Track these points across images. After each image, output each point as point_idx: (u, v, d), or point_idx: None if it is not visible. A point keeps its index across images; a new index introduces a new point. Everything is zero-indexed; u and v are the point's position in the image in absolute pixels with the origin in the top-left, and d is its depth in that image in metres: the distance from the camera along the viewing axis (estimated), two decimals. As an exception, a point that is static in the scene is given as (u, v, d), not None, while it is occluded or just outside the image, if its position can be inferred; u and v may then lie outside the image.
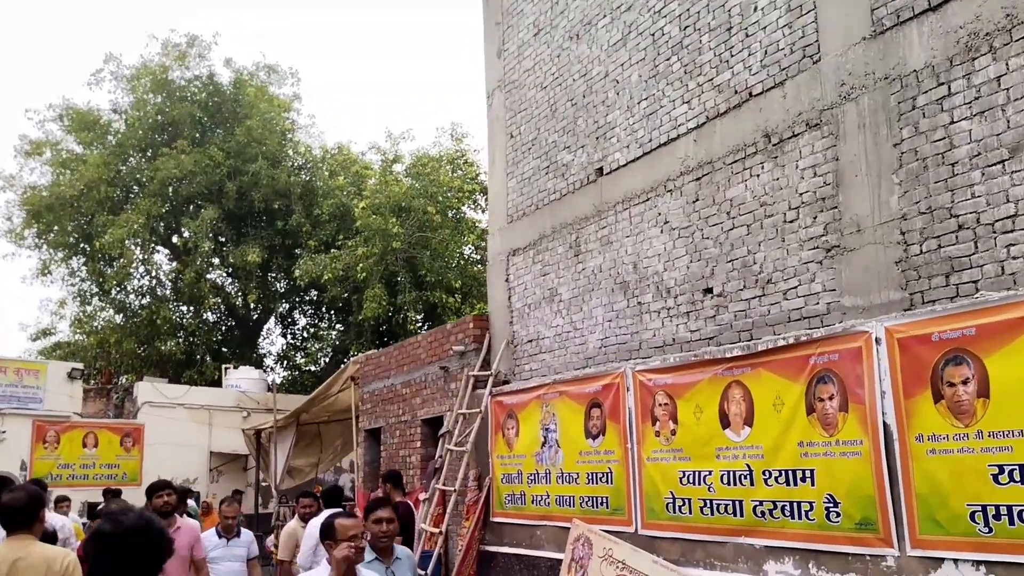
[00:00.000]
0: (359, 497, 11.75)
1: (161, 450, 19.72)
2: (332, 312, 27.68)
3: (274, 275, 24.83)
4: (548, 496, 8.97)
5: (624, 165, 8.59)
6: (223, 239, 24.85)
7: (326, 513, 5.72)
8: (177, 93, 25.45)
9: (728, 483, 6.72)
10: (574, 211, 9.37)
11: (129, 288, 25.96)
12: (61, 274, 25.91)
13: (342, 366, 14.53)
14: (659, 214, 8.05)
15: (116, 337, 24.67)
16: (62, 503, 14.86)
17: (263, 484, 16.87)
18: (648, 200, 8.20)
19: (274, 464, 15.12)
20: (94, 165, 23.36)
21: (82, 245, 25.28)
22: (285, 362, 28.54)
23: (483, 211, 26.18)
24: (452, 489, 9.90)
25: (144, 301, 26.12)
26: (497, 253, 10.83)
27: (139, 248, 23.97)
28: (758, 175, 7.00)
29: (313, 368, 27.27)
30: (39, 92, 51.58)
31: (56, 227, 24.26)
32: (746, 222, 7.08)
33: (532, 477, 9.26)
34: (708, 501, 6.89)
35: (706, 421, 6.97)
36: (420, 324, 22.08)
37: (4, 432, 17.03)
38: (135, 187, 24.87)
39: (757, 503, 6.45)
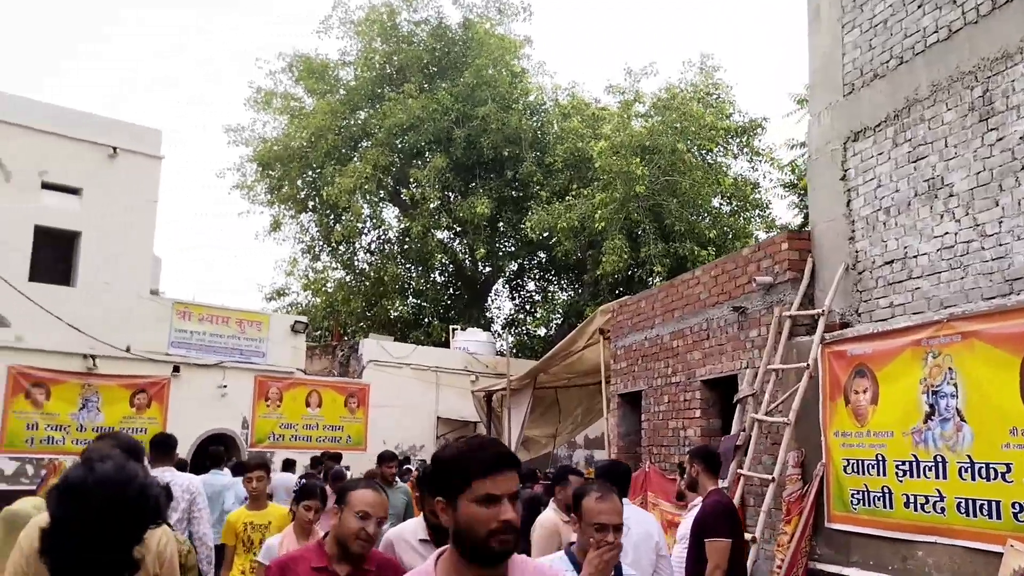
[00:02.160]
0: (644, 478, 8.93)
1: (386, 413, 18.09)
2: (563, 272, 25.19)
3: (503, 228, 22.66)
4: (941, 498, 5.64)
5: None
6: (451, 192, 22.97)
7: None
8: (404, 38, 23.90)
9: None
10: (979, 49, 5.89)
11: (357, 245, 24.90)
12: (292, 231, 25.32)
13: (588, 317, 11.80)
14: None
15: (343, 295, 23.63)
16: (289, 468, 13.37)
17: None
18: None
19: (507, 433, 12.72)
20: (321, 114, 22.25)
21: (311, 201, 24.48)
22: (513, 327, 26.48)
23: (736, 156, 22.56)
24: (770, 478, 6.77)
25: (371, 259, 24.97)
26: (824, 141, 7.53)
27: (366, 203, 22.59)
28: None
29: (543, 332, 24.96)
30: (270, 41, 53.33)
31: (286, 181, 23.51)
32: None
33: (906, 467, 5.95)
34: None
35: None
36: (666, 280, 18.92)
37: (225, 387, 15.94)
38: (362, 137, 23.57)
39: None
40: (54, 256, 14.88)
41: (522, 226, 22.84)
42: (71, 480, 1.92)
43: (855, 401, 6.50)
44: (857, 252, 6.96)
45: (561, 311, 23.54)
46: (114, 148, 15.22)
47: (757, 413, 7.21)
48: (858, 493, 6.43)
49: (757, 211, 22.50)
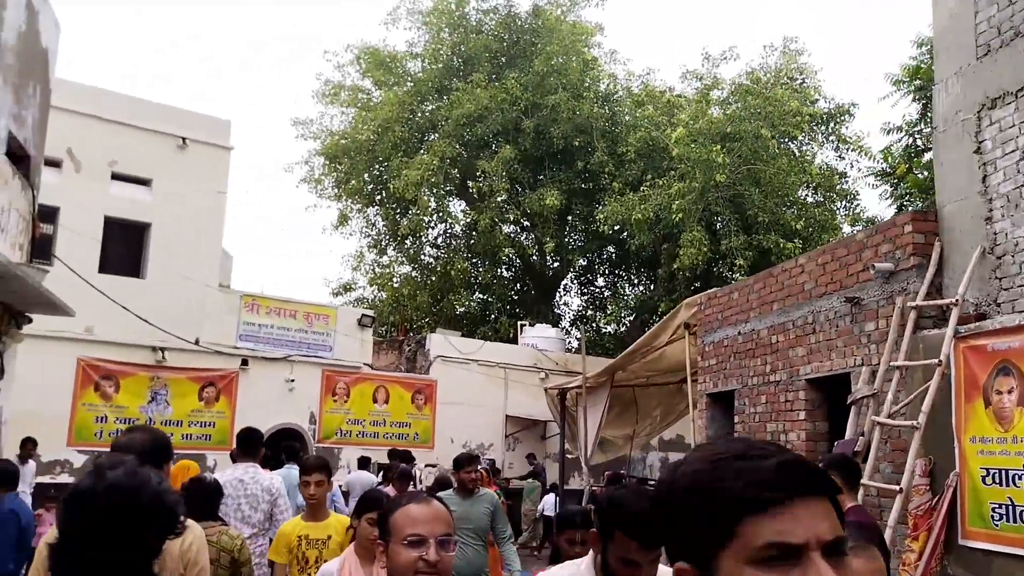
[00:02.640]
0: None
1: (453, 411, 17.62)
2: (636, 266, 24.41)
3: (573, 221, 21.99)
4: (1115, 518, 4.83)
5: None
6: (519, 184, 22.38)
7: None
8: (473, 27, 23.42)
9: None
10: None
11: (423, 239, 24.53)
12: (359, 225, 25.07)
13: (670, 312, 11.08)
14: None
15: (409, 290, 23.26)
16: (365, 467, 12.99)
17: (568, 455, 13.98)
18: None
19: (583, 432, 12.07)
20: (388, 106, 21.91)
21: (377, 195, 24.19)
22: (583, 323, 25.78)
23: (822, 144, 21.49)
24: (897, 488, 6.00)
25: (437, 253, 24.58)
26: (953, 111, 6.70)
27: (433, 196, 22.15)
28: None
29: (613, 329, 24.23)
30: (339, 33, 53.40)
31: (353, 174, 23.23)
32: None
33: (1068, 479, 5.15)
34: None
35: None
36: (747, 275, 18.01)
37: (293, 381, 15.65)
38: (429, 129, 23.16)
39: None
40: (124, 248, 14.76)
41: (593, 219, 22.14)
42: (80, 489, 1.79)
43: (997, 403, 5.70)
44: (996, 234, 6.15)
45: (633, 307, 22.76)
46: (183, 139, 15.05)
47: (878, 415, 6.44)
48: (1000, 507, 5.63)
49: (843, 202, 21.40)
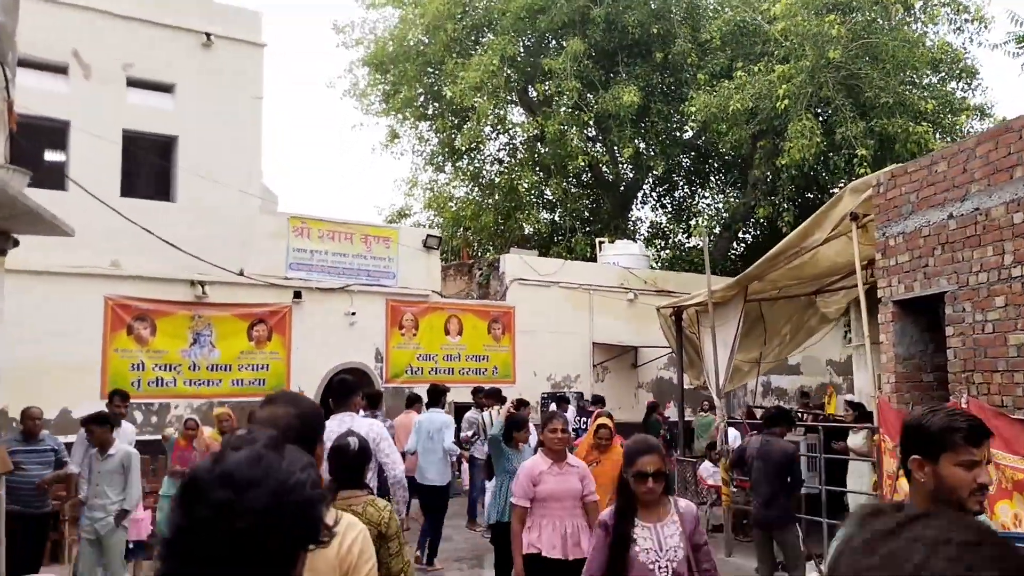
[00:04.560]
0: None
1: (534, 340, 15.49)
2: (722, 171, 21.77)
3: (653, 121, 19.33)
4: None
5: None
6: (588, 84, 19.66)
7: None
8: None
9: None
10: None
11: (483, 153, 22.13)
12: (410, 144, 22.74)
13: (833, 199, 8.63)
14: None
15: (471, 211, 20.98)
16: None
17: (689, 387, 11.76)
18: None
19: (711, 358, 9.80)
20: (438, 1, 19.26)
21: (430, 107, 21.76)
22: (662, 238, 23.34)
23: (932, 17, 18.43)
24: None
25: (500, 169, 22.16)
26: None
27: (493, 102, 19.53)
28: None
29: (697, 243, 21.79)
30: None
31: (402, 83, 20.77)
32: None
33: None
34: None
35: None
36: (870, 167, 15.28)
37: (354, 314, 13.58)
38: (485, 26, 20.50)
39: None
40: (149, 166, 12.69)
41: (674, 119, 19.57)
42: (192, 475, 1.34)
43: None
44: None
45: (723, 217, 20.21)
46: (208, 35, 12.77)
47: None
48: None
49: (960, 81, 18.43)
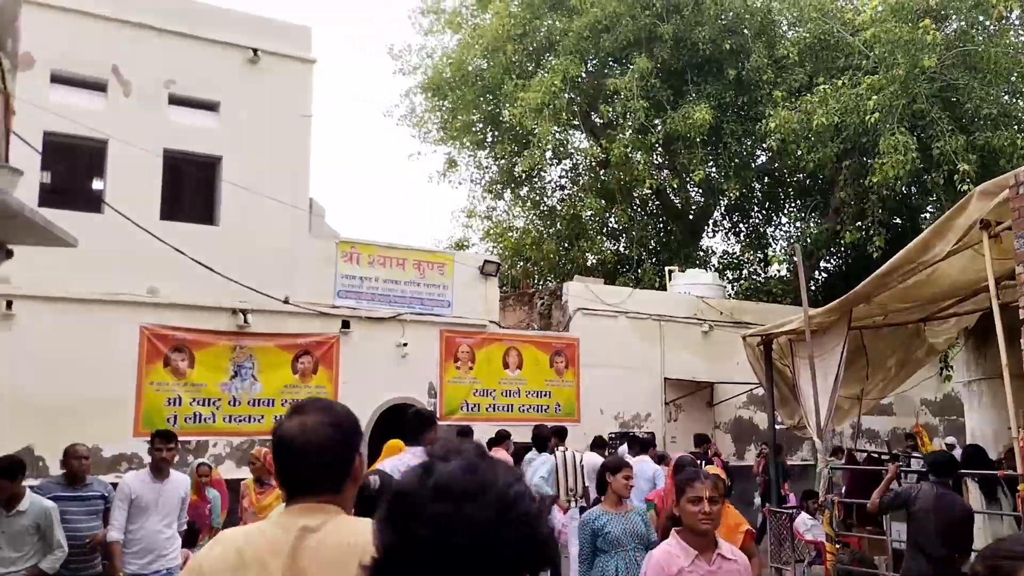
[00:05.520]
0: None
1: (600, 374, 14.29)
2: (799, 194, 20.38)
3: (726, 142, 18.13)
4: None
5: None
6: (656, 104, 18.56)
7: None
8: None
9: None
10: None
11: (544, 180, 21.17)
12: (468, 172, 21.91)
13: (957, 205, 7.35)
14: None
15: (531, 240, 19.96)
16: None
17: (780, 425, 10.42)
18: None
19: (811, 393, 8.49)
20: (499, 20, 18.48)
21: (489, 134, 20.93)
22: (734, 268, 21.96)
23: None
24: None
25: (562, 196, 21.17)
26: None
27: (555, 124, 18.50)
28: None
29: (774, 272, 20.40)
30: None
31: (461, 111, 19.99)
32: None
33: None
34: None
35: None
36: (973, 183, 13.82)
37: (406, 345, 12.60)
38: (547, 49, 19.63)
39: None
40: (190, 188, 12.01)
41: (749, 140, 18.34)
42: (400, 490, 1.26)
43: None
44: None
45: (805, 243, 18.79)
46: (255, 50, 12.11)
47: None
48: None
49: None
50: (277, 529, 1.88)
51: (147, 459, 10.37)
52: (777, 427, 10.07)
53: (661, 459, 11.04)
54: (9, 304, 10.07)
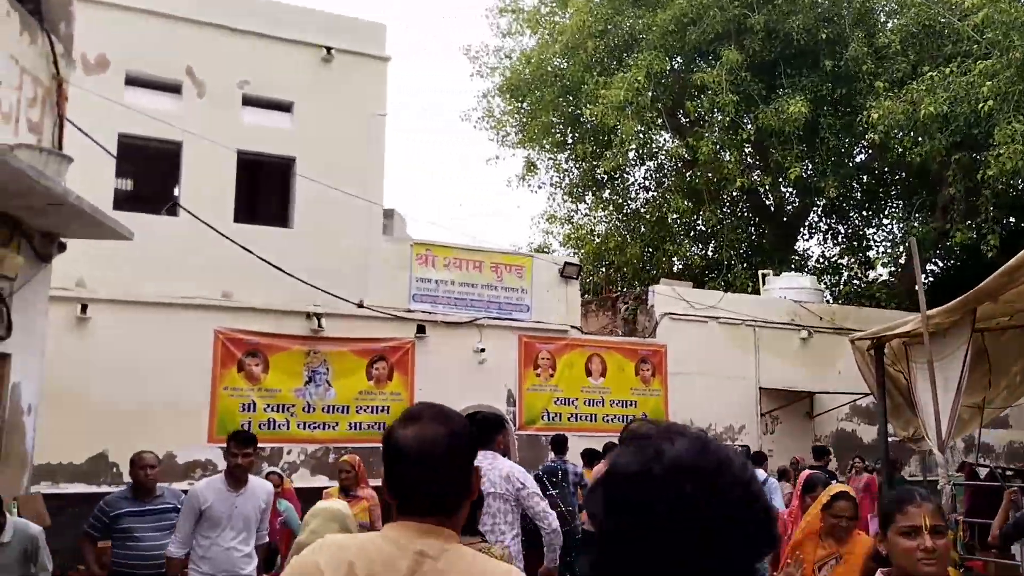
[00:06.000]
0: None
1: (690, 383, 13.48)
2: (902, 193, 19.08)
3: (823, 137, 17.07)
4: None
5: None
6: (746, 99, 17.61)
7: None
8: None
9: None
10: None
11: (627, 181, 20.44)
12: (548, 176, 21.33)
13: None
14: None
15: (615, 243, 19.24)
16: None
17: (894, 438, 9.46)
18: None
19: (931, 402, 7.57)
20: (579, 16, 17.90)
21: (569, 135, 20.34)
22: (830, 272, 20.75)
23: None
24: None
25: (647, 197, 20.39)
26: None
27: (639, 122, 17.72)
28: None
29: (877, 276, 19.15)
30: None
31: (540, 111, 19.47)
32: None
33: None
34: None
35: None
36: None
37: (483, 351, 12.08)
38: (629, 46, 18.91)
39: None
40: (264, 190, 11.81)
41: (848, 134, 17.24)
42: (623, 471, 1.18)
43: None
44: None
45: (905, 244, 17.50)
46: (328, 49, 11.83)
47: None
48: None
49: None
50: (392, 547, 1.73)
51: (222, 466, 10.28)
52: (891, 438, 9.11)
53: (783, 474, 10.29)
54: (84, 308, 9.97)
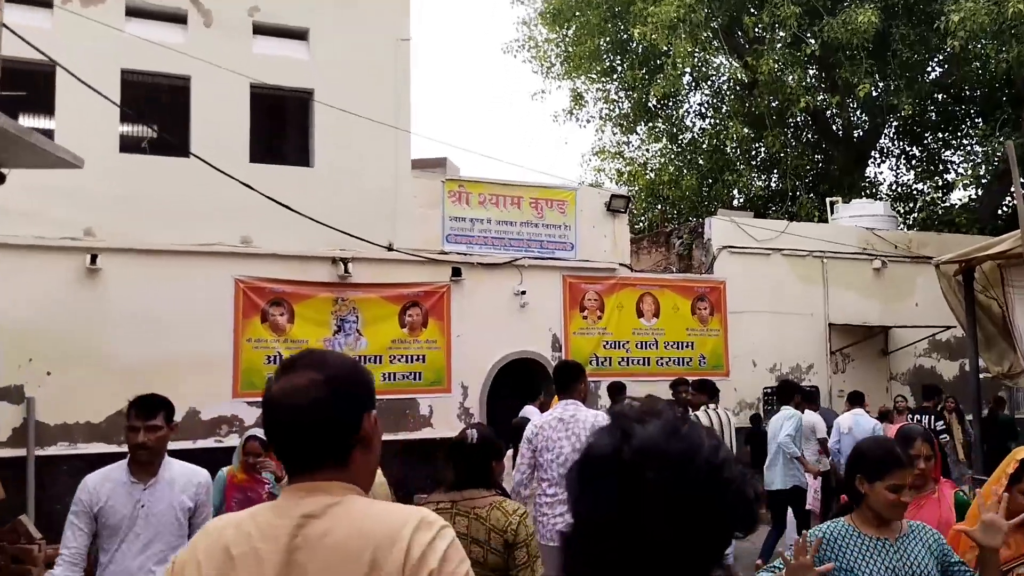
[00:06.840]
0: None
1: (752, 321, 12.44)
2: (983, 114, 17.39)
3: (895, 50, 15.50)
4: None
5: None
6: (811, 12, 16.05)
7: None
8: None
9: None
10: None
11: (682, 107, 19.13)
12: (597, 108, 20.10)
13: None
14: None
15: (670, 176, 18.04)
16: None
17: (986, 374, 8.34)
18: None
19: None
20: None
21: (617, 66, 19.05)
22: (905, 200, 19.23)
23: None
24: None
25: (703, 125, 19.07)
26: None
27: (691, 43, 16.31)
28: None
29: (957, 199, 17.62)
30: None
31: (585, 36, 18.21)
32: None
33: None
34: None
35: None
36: None
37: (524, 293, 11.20)
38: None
39: None
40: (281, 126, 11.00)
41: (924, 44, 15.64)
42: (597, 453, 1.22)
43: None
44: None
45: (996, 164, 15.94)
46: (344, -30, 10.86)
47: None
48: None
49: None
50: (271, 515, 1.58)
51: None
52: (983, 374, 7.99)
53: (883, 416, 9.92)
54: (94, 258, 9.35)
